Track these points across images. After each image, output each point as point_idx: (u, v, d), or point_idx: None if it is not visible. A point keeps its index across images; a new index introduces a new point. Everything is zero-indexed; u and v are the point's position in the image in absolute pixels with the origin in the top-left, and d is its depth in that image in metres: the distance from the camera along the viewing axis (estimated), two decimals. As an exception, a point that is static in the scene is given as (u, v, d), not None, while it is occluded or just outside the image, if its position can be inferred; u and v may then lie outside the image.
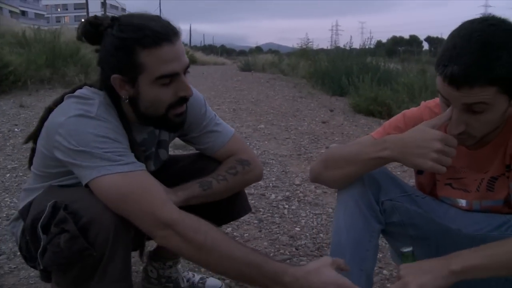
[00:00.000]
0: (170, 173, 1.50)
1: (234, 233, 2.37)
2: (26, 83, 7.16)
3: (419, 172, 1.40)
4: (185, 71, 1.25)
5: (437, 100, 1.26)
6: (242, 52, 63.32)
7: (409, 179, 2.86)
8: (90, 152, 1.15)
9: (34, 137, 1.35)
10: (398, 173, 3.40)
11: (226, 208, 1.54)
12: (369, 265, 1.27)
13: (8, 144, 4.12)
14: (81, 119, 1.18)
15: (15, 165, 3.48)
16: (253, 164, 1.50)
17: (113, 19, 1.23)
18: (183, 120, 1.33)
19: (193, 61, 23.68)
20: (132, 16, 1.24)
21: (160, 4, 53.52)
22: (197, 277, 1.78)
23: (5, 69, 7.02)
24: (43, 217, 1.18)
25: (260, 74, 14.58)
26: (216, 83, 11.13)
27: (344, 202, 1.31)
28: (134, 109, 1.28)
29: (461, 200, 1.31)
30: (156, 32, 1.18)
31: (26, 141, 1.39)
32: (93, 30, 1.24)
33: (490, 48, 1.00)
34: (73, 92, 1.28)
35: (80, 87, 1.31)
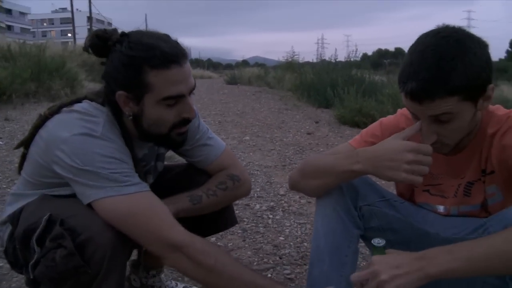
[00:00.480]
0: (161, 182, 1.52)
1: (218, 243, 2.38)
2: (11, 97, 7.12)
3: None
4: (191, 92, 1.26)
5: None
6: (228, 66, 63.50)
7: (393, 188, 2.90)
8: (96, 172, 1.15)
9: (26, 143, 1.33)
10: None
11: (213, 220, 1.56)
12: (349, 271, 1.27)
13: (-9, 157, 4.08)
14: (86, 138, 1.18)
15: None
16: (243, 179, 1.53)
17: (123, 34, 1.23)
18: (184, 139, 1.34)
19: (179, 74, 23.70)
20: (142, 34, 1.24)
21: (146, 18, 53.61)
22: (180, 286, 1.79)
23: (-9, 82, 7.00)
24: (38, 230, 1.17)
25: (246, 87, 14.66)
26: (202, 96, 11.15)
27: (322, 208, 1.33)
28: (136, 125, 1.28)
29: (439, 206, 1.34)
30: (166, 53, 1.18)
31: (18, 147, 1.37)
32: (101, 43, 1.23)
33: (444, 60, 1.04)
34: (71, 104, 1.27)
35: (80, 100, 1.29)
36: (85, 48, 1.27)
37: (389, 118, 1.41)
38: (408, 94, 1.08)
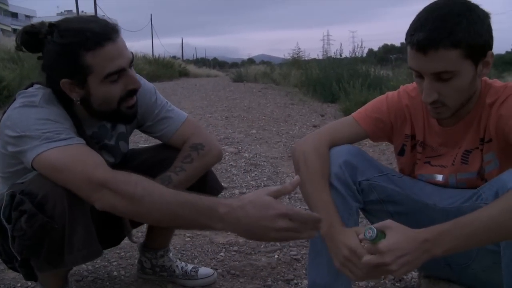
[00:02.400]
0: (133, 167, 1.52)
1: (226, 228, 2.44)
2: (19, 98, 7.20)
3: (400, 153, 1.46)
4: (130, 65, 1.31)
5: (414, 84, 1.34)
6: (234, 64, 63.59)
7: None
8: (30, 136, 1.21)
9: None
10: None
11: (197, 192, 1.56)
12: None
13: None
14: (24, 108, 1.25)
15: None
16: (207, 145, 1.53)
17: (51, 25, 1.26)
18: (135, 112, 1.39)
19: (185, 73, 23.80)
20: (69, 20, 1.29)
21: (151, 18, 53.82)
22: (189, 266, 1.84)
23: (-1, 84, 7.11)
24: (2, 207, 1.24)
25: (252, 84, 14.69)
26: (209, 94, 11.22)
27: None
28: (86, 108, 1.33)
29: (438, 175, 1.38)
30: (97, 33, 1.23)
31: None
32: (32, 39, 1.28)
33: (450, 15, 1.12)
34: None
35: (30, 86, 1.36)
36: (18, 47, 1.32)
37: (394, 94, 1.44)
38: (415, 45, 1.14)
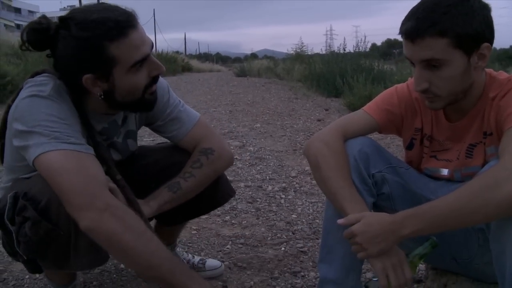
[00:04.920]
0: (142, 165, 1.53)
1: (233, 221, 2.44)
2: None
3: (408, 147, 1.46)
4: (151, 49, 1.25)
5: None
6: (237, 59, 63.49)
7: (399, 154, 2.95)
8: (40, 132, 1.14)
9: (1, 132, 1.32)
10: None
11: (210, 197, 1.55)
12: None
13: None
14: (33, 99, 1.17)
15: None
16: (217, 150, 1.48)
17: (63, 19, 1.17)
18: (155, 97, 1.34)
19: (188, 68, 23.74)
20: (85, 11, 1.19)
21: (154, 13, 53.72)
22: (196, 259, 1.85)
23: (3, 79, 7.15)
24: (6, 209, 1.21)
25: (256, 79, 14.68)
26: (212, 88, 11.21)
27: None
28: (109, 101, 1.26)
29: (443, 169, 1.37)
30: (119, 21, 1.16)
31: None
32: (41, 36, 1.18)
33: (440, 5, 1.13)
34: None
35: (36, 74, 1.27)
36: (24, 46, 1.21)
37: (403, 86, 1.43)
38: (404, 34, 1.18)
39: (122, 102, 1.27)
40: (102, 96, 1.24)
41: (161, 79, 1.44)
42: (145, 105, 1.32)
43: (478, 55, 1.16)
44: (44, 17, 1.21)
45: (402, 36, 1.19)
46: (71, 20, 1.16)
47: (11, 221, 1.21)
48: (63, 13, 1.23)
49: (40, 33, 1.18)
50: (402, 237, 1.12)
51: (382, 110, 1.39)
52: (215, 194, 1.57)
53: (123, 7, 1.21)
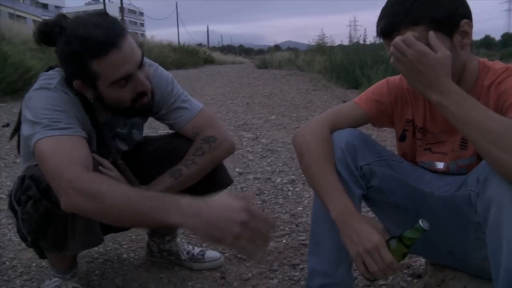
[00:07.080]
0: (146, 154, 1.58)
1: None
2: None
3: (401, 139, 1.44)
4: (140, 66, 1.28)
5: None
6: (260, 51, 63.33)
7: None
8: (36, 122, 1.22)
9: (17, 126, 1.41)
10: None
11: (206, 184, 1.54)
12: None
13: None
14: (40, 91, 1.28)
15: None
16: (219, 138, 1.52)
17: (61, 28, 1.24)
18: (150, 107, 1.38)
19: (210, 61, 23.86)
20: (77, 24, 1.24)
21: (177, 6, 53.99)
22: (196, 250, 1.87)
23: (28, 74, 7.36)
24: (14, 189, 1.29)
25: (277, 71, 14.64)
26: (232, 80, 11.24)
27: None
28: (100, 105, 1.35)
29: (439, 163, 1.35)
30: (101, 41, 1.20)
31: (12, 135, 1.48)
32: (46, 37, 1.29)
33: None
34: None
35: (53, 67, 1.38)
36: (36, 41, 1.32)
37: (395, 77, 1.42)
38: (380, 34, 1.18)
39: (113, 108, 1.35)
40: (92, 100, 1.33)
41: (164, 72, 1.54)
42: (136, 113, 1.39)
43: (460, 34, 1.14)
44: (54, 21, 1.29)
45: (380, 37, 1.19)
46: (64, 30, 1.24)
47: (18, 201, 1.29)
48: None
49: (45, 35, 1.29)
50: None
51: (371, 100, 1.38)
52: (213, 181, 1.59)
53: (116, 23, 1.26)
